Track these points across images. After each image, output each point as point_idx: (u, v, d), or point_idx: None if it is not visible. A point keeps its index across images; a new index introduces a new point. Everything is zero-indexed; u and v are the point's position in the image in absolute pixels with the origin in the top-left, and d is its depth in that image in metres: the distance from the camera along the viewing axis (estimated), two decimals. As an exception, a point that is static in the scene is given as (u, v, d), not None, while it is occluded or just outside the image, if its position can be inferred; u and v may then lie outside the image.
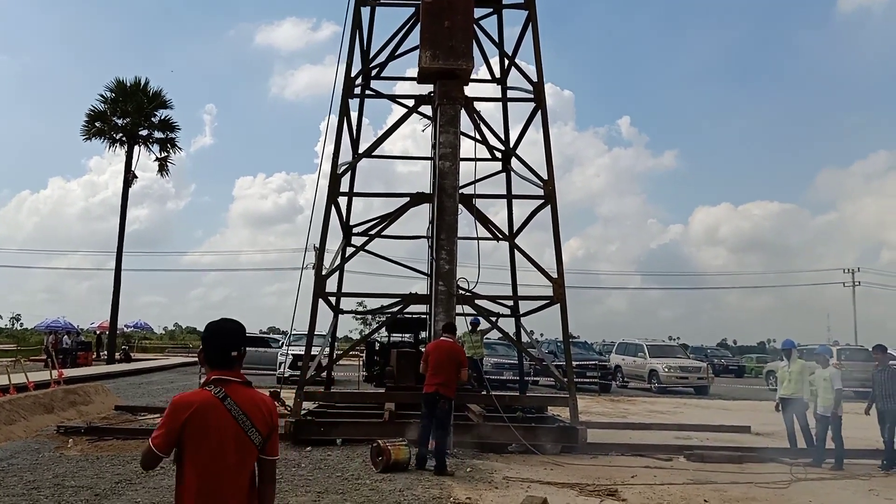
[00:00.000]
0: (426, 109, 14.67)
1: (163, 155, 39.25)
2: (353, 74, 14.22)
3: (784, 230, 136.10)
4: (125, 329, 52.23)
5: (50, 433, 13.28)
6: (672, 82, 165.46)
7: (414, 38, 14.55)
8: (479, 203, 14.12)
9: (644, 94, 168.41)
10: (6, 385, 15.85)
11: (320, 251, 13.67)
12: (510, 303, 17.32)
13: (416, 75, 14.49)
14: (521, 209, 16.64)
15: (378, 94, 15.92)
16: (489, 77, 17.17)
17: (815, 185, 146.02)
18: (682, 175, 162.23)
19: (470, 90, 14.52)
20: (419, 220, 12.97)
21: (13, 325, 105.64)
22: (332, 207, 14.18)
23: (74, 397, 16.03)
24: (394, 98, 15.54)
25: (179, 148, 40.32)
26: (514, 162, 15.95)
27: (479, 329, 19.40)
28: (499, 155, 16.83)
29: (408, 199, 14.20)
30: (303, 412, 13.94)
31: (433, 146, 14.24)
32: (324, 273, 13.68)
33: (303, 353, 15.68)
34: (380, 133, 15.19)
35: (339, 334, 21.26)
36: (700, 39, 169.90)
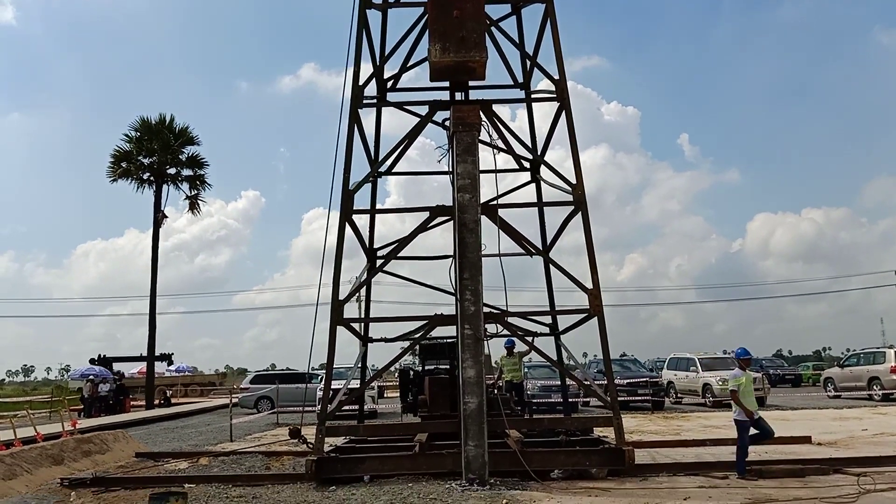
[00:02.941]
0: (443, 114, 13.54)
1: (192, 193, 38.50)
2: (360, 83, 13.32)
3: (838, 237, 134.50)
4: (165, 374, 51.77)
5: (53, 487, 12.34)
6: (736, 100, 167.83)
7: (426, 45, 13.57)
8: (510, 218, 12.99)
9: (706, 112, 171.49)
10: (10, 439, 15.08)
11: (335, 274, 12.67)
12: (548, 320, 16.34)
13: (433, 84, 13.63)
14: (554, 220, 15.69)
15: (387, 103, 14.94)
16: (511, 82, 16.09)
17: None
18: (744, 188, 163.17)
19: (491, 95, 13.63)
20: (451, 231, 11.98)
21: (62, 376, 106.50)
22: (349, 228, 13.31)
23: (89, 447, 15.02)
24: (402, 105, 14.48)
25: (209, 185, 39.18)
26: (543, 171, 14.93)
27: (515, 351, 18.48)
28: (526, 164, 15.82)
29: (427, 213, 13.20)
30: (329, 448, 13.01)
31: (450, 174, 13.28)
32: (341, 298, 12.68)
33: (342, 386, 14.77)
34: (399, 148, 14.19)
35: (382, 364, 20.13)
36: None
